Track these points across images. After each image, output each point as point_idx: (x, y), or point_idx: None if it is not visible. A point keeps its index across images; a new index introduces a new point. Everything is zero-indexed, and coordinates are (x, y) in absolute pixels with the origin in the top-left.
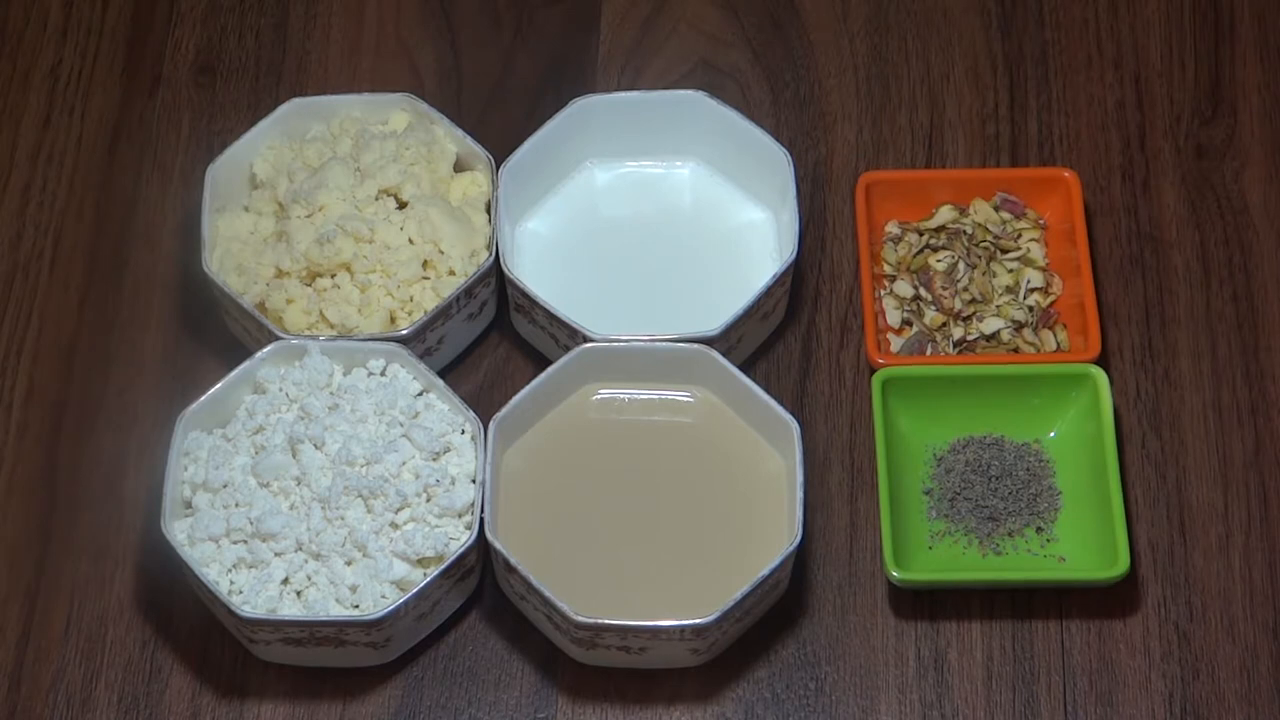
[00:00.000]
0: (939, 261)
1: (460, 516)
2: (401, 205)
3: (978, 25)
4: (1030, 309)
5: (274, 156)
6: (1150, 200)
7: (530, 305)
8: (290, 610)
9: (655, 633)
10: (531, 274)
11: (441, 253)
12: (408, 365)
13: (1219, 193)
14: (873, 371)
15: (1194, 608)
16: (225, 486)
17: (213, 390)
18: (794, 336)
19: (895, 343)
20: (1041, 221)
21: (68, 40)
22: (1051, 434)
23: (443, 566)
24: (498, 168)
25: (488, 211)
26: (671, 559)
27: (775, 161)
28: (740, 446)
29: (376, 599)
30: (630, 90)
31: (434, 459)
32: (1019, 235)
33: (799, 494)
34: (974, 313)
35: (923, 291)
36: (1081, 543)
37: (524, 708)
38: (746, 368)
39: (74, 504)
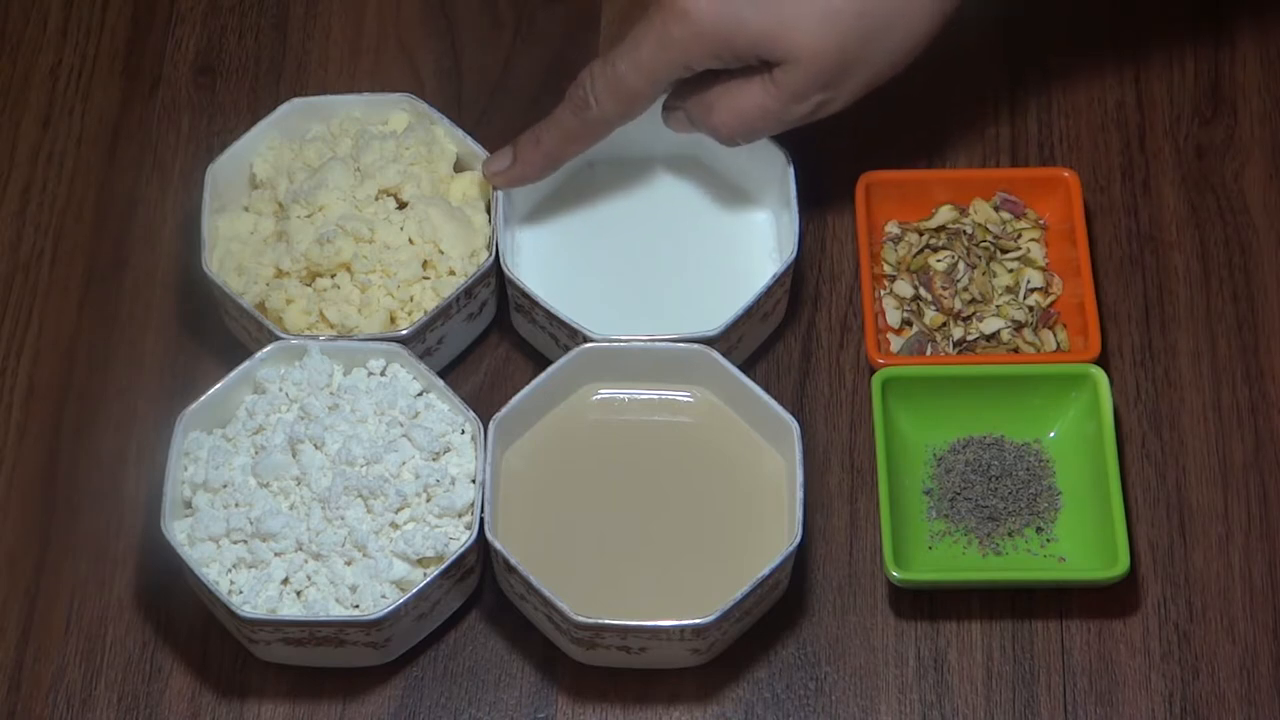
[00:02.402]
0: (939, 261)
1: (460, 516)
2: (401, 205)
3: (978, 25)
4: (1030, 309)
5: (274, 156)
6: (1150, 200)
7: (530, 305)
8: (290, 610)
9: (655, 633)
10: (531, 274)
11: (441, 253)
12: (408, 365)
13: (1219, 193)
14: (873, 371)
15: (1194, 608)
16: (225, 486)
17: (213, 390)
18: (794, 336)
19: (895, 343)
20: (1041, 221)
21: (68, 40)
22: (1051, 434)
23: (443, 566)
24: None
25: (488, 211)
26: (671, 559)
27: (775, 161)
28: (740, 446)
29: (376, 599)
30: None
31: (434, 459)
32: (1019, 235)
33: (799, 494)
34: (974, 313)
35: (923, 291)
36: (1081, 543)
37: (524, 708)
38: (746, 368)
39: (74, 504)
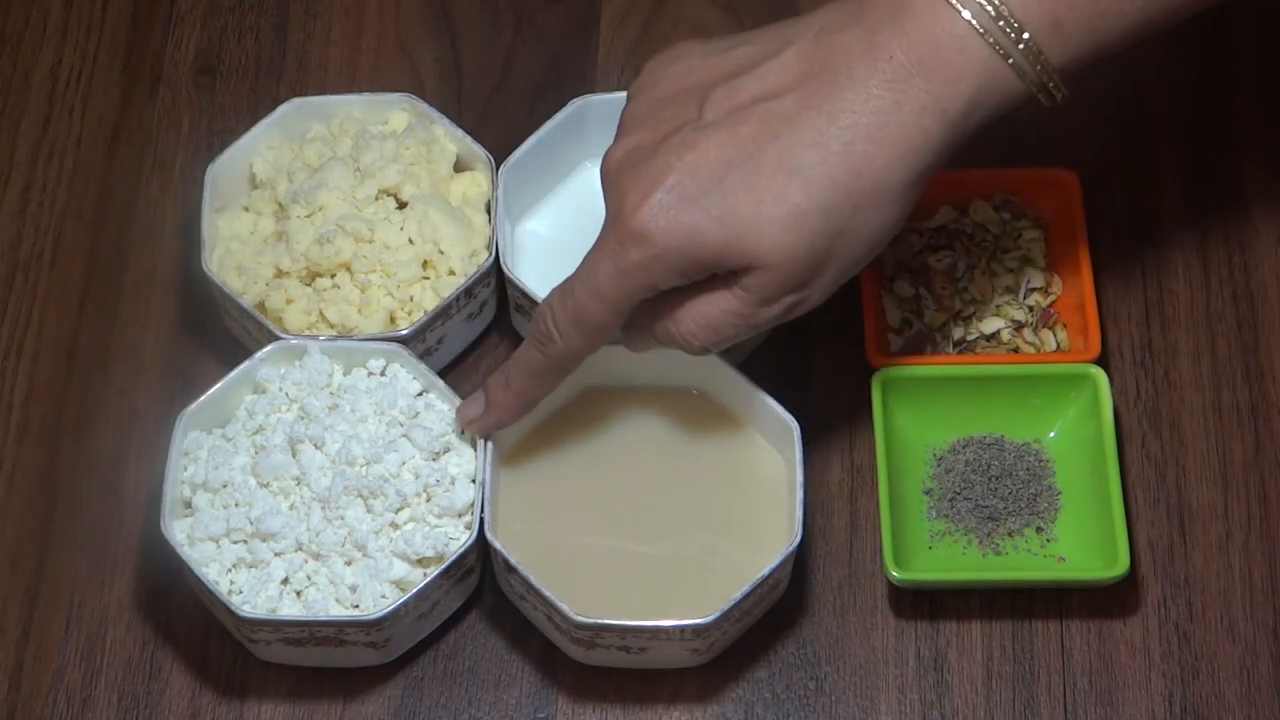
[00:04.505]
0: (939, 261)
1: (460, 516)
2: (401, 205)
3: None
4: (1030, 309)
5: (274, 156)
6: (1150, 200)
7: (530, 305)
8: (290, 610)
9: (655, 633)
10: (531, 274)
11: (441, 253)
12: (408, 365)
13: (1219, 193)
14: (873, 371)
15: (1194, 608)
16: (225, 486)
17: (213, 390)
18: (794, 336)
19: (895, 343)
20: (1041, 221)
21: (68, 40)
22: (1051, 434)
23: (443, 566)
24: (498, 168)
25: (488, 211)
26: (671, 559)
27: None
28: (740, 446)
29: (376, 599)
30: None
31: (434, 459)
32: (1019, 235)
33: (799, 494)
34: (974, 313)
35: (923, 291)
36: (1081, 543)
37: (524, 708)
38: (746, 368)
39: (74, 504)
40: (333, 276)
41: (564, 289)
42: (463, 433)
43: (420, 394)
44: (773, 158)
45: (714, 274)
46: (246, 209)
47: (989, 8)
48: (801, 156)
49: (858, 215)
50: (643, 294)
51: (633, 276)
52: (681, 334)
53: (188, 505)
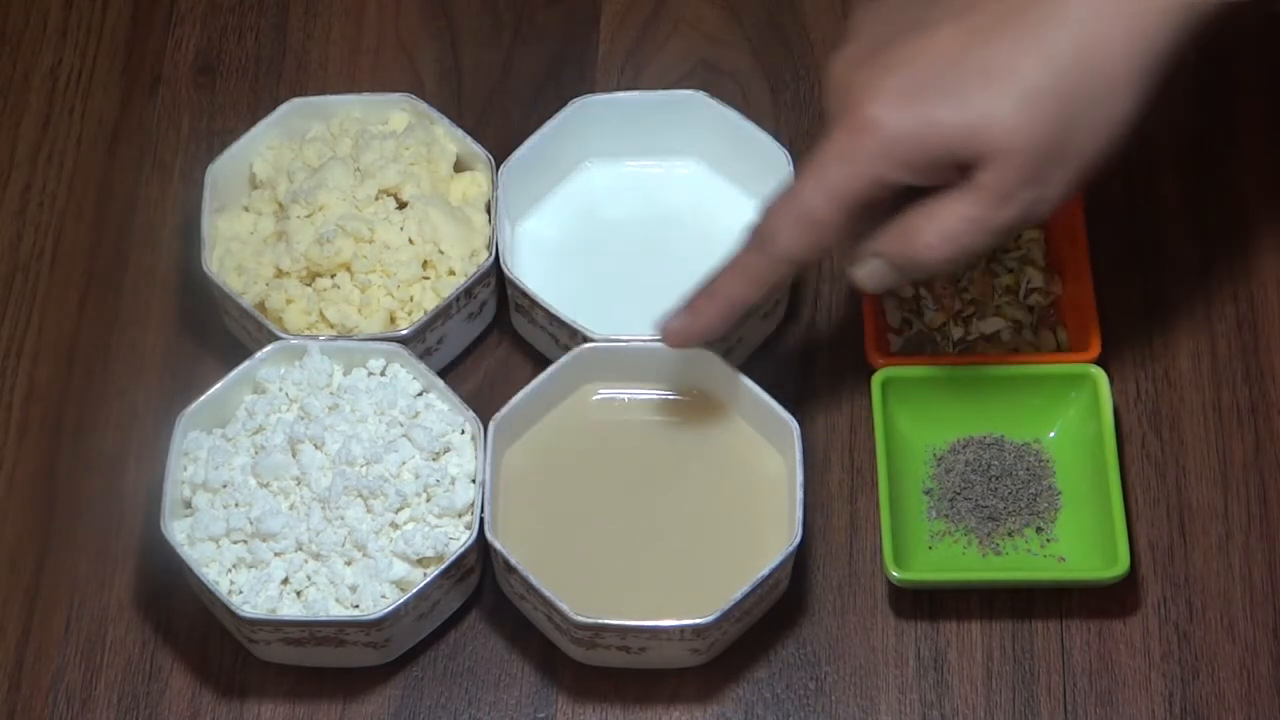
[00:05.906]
0: None
1: (460, 516)
2: (401, 205)
3: None
4: (1030, 309)
5: (274, 156)
6: (1150, 200)
7: (530, 305)
8: (290, 610)
9: (655, 633)
10: (531, 274)
11: (441, 253)
12: (408, 365)
13: (1219, 191)
14: (873, 371)
15: (1194, 608)
16: (225, 486)
17: (213, 390)
18: (794, 336)
19: (895, 343)
20: (1041, 221)
21: (68, 40)
22: (1051, 434)
23: (443, 566)
24: (498, 168)
25: (488, 211)
26: (671, 559)
27: (775, 161)
28: (740, 446)
29: (376, 599)
30: (630, 90)
31: (434, 459)
32: (1019, 235)
33: (799, 494)
34: (974, 313)
35: (923, 291)
36: (1081, 543)
37: (524, 708)
38: (746, 368)
39: (74, 504)
40: (333, 276)
41: (786, 189)
42: (669, 344)
43: (420, 394)
44: (1008, 41)
45: (944, 180)
46: (246, 209)
47: None
48: (1039, 36)
49: (1094, 105)
50: (871, 191)
51: (862, 169)
52: (918, 248)
53: (188, 505)
